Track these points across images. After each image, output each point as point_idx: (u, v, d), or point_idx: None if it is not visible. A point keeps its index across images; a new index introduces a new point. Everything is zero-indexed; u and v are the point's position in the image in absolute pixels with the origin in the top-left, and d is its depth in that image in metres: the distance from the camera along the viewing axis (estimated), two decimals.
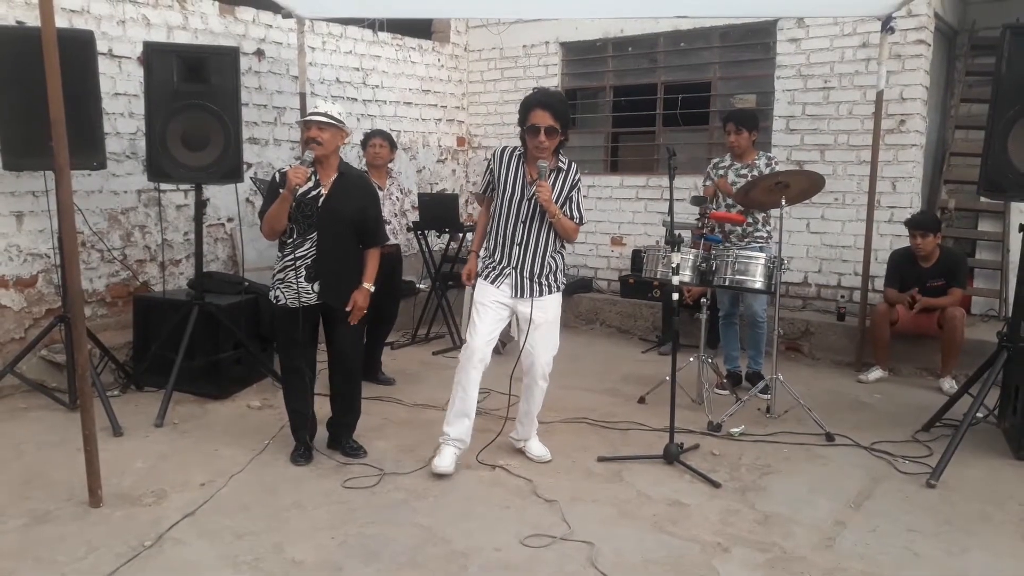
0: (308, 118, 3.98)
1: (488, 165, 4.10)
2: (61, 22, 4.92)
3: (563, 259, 4.13)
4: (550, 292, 4.06)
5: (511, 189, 3.97)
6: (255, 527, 3.41)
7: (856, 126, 6.57)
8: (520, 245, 3.98)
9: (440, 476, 3.93)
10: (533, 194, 3.88)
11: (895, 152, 6.44)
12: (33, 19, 4.31)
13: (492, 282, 4.04)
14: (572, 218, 4.02)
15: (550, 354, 4.12)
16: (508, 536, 3.36)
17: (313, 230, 3.98)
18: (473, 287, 4.12)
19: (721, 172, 5.41)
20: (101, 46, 5.22)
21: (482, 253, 4.12)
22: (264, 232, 4.08)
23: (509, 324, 4.26)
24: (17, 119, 4.44)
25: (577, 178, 4.03)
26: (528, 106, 3.87)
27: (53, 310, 5.27)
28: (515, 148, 4.03)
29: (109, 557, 3.12)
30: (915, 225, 5.64)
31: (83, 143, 4.51)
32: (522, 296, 4.01)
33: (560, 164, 3.98)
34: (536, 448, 4.26)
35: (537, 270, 4.01)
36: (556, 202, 3.92)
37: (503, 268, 4.02)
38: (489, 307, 4.02)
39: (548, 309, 4.06)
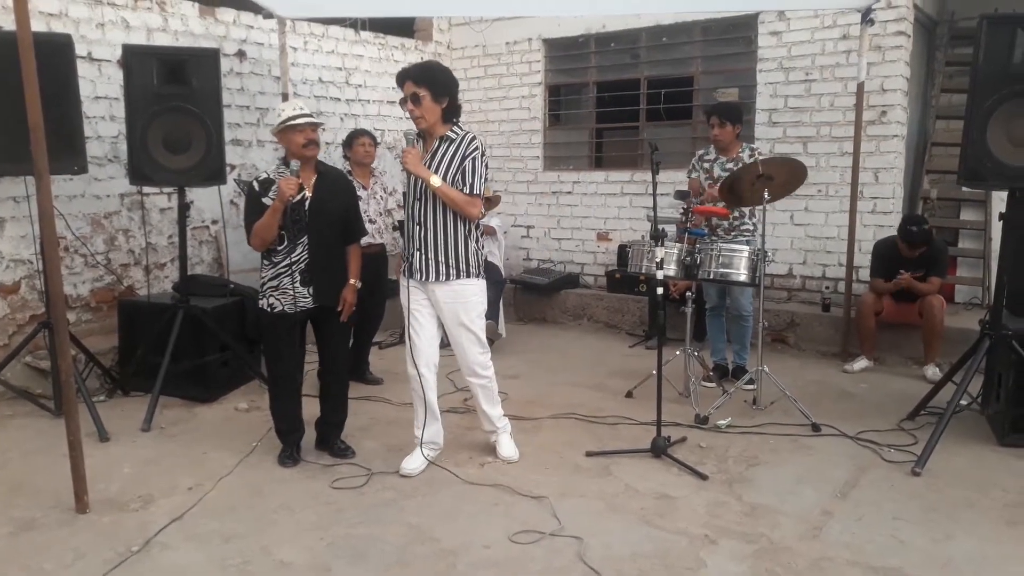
0: (298, 121, 3.87)
1: None
2: (38, 26, 4.93)
3: (476, 246, 3.91)
4: (457, 277, 3.86)
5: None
6: (243, 530, 3.40)
7: (838, 118, 6.60)
8: (420, 225, 3.85)
9: (407, 477, 3.91)
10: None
11: (877, 143, 6.47)
12: (9, 23, 4.27)
13: (405, 274, 3.94)
14: (462, 188, 3.80)
15: (476, 350, 3.96)
16: (496, 533, 3.36)
17: (303, 234, 3.93)
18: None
19: (706, 165, 5.41)
20: (80, 49, 5.18)
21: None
22: (254, 245, 3.97)
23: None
24: None
25: (472, 148, 3.83)
26: (398, 83, 3.86)
27: (37, 316, 5.24)
28: (419, 131, 3.87)
29: (96, 563, 3.11)
30: (911, 242, 5.58)
31: (63, 147, 4.48)
32: (426, 279, 3.87)
33: (451, 134, 3.86)
34: (505, 448, 4.17)
35: (441, 252, 3.84)
36: (445, 174, 3.76)
37: (409, 254, 3.90)
38: (414, 311, 3.91)
39: (458, 299, 3.87)
